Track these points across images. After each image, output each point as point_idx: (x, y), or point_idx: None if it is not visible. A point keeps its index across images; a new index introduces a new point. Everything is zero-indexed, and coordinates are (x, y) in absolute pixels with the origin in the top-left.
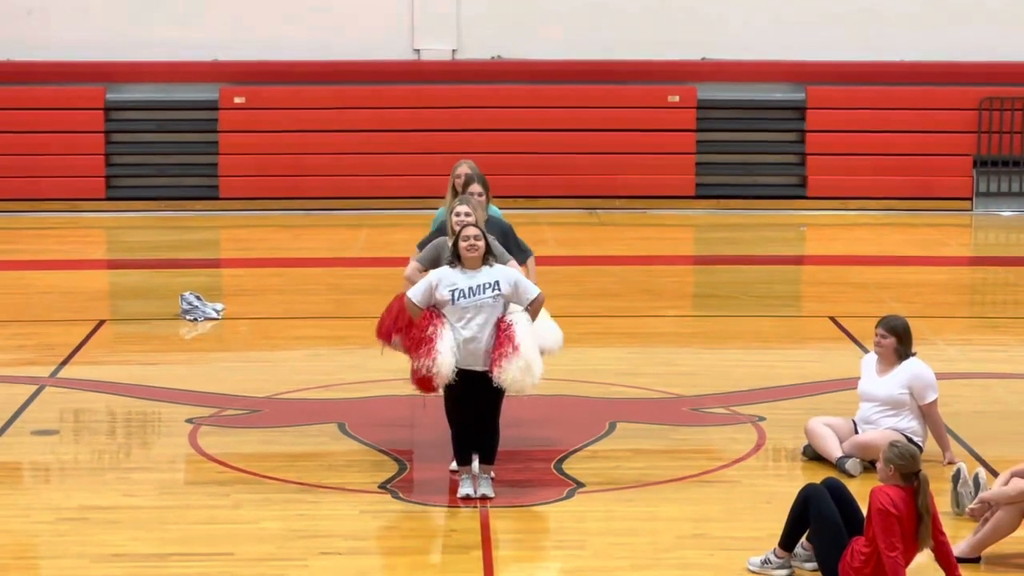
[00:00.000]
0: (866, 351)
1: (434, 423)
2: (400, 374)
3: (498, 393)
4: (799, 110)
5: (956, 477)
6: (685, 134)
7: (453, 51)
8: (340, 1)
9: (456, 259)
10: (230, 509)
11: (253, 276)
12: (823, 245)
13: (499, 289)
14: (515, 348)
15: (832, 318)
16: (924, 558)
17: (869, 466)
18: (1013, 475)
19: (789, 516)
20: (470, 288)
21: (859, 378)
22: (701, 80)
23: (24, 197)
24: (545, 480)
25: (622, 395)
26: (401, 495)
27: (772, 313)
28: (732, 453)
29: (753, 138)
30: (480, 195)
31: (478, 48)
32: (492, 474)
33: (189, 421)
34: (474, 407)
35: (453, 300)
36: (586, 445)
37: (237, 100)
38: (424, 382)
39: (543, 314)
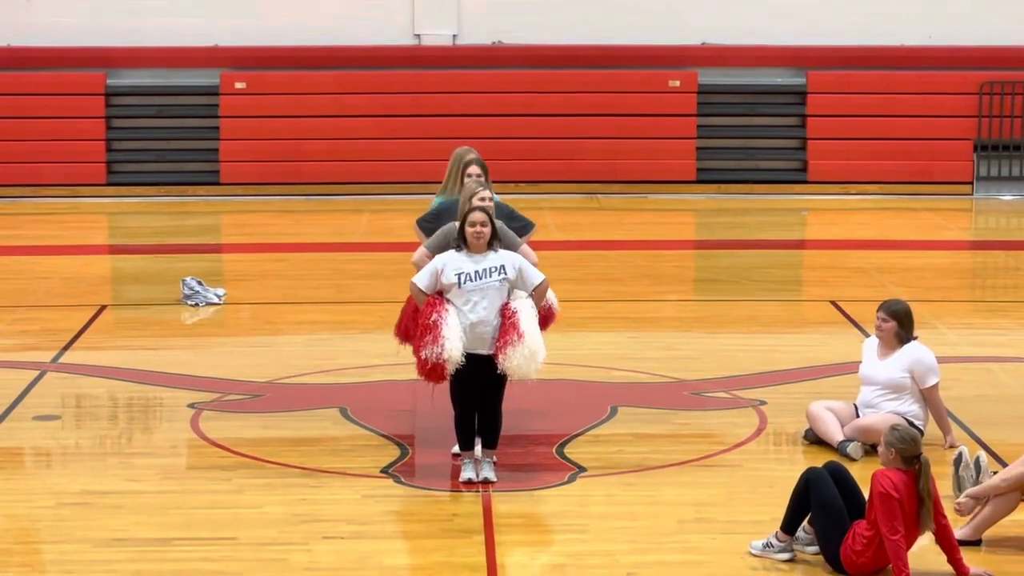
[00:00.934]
0: (867, 335)
1: (436, 408)
2: (401, 359)
3: (502, 378)
4: (800, 95)
5: (957, 460)
6: (686, 119)
7: (453, 36)
8: None
9: (462, 243)
10: (232, 494)
11: (254, 261)
12: (824, 229)
13: (505, 273)
14: (520, 336)
15: (833, 302)
16: (925, 541)
17: (870, 450)
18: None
19: (790, 500)
20: (476, 272)
21: (860, 362)
22: (702, 65)
23: (25, 183)
24: (547, 464)
25: (623, 379)
26: (403, 479)
27: (773, 297)
28: (733, 437)
29: (754, 123)
30: (479, 176)
31: (478, 33)
32: (494, 458)
33: (191, 406)
34: (479, 390)
35: (459, 284)
36: (588, 429)
37: (238, 85)
38: (432, 372)
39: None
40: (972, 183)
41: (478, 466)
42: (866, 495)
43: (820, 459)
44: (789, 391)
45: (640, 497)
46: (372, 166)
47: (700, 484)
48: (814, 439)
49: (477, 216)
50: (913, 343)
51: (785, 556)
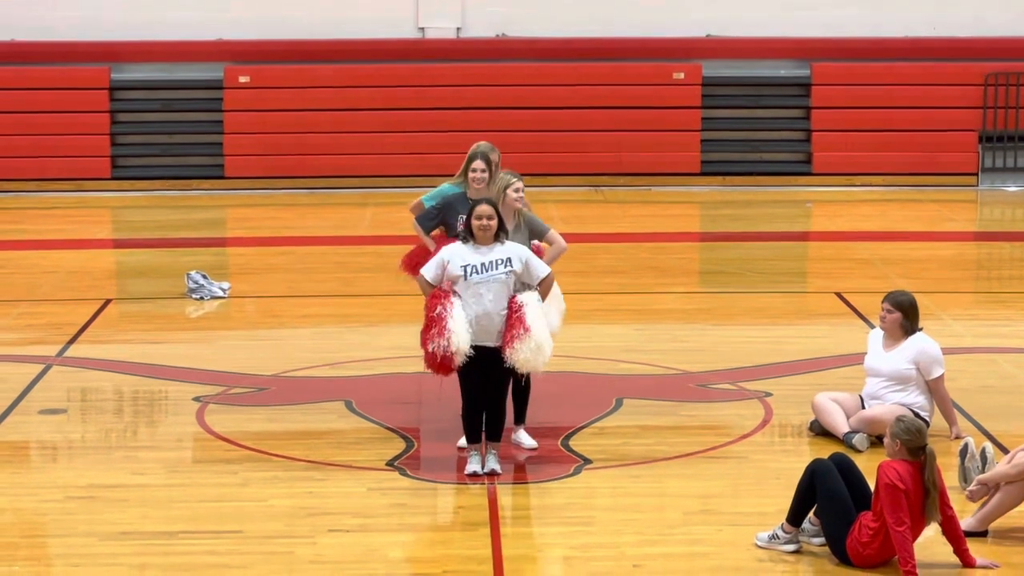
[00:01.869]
0: (872, 327)
1: (441, 400)
2: (407, 351)
3: (508, 371)
4: (804, 87)
5: (963, 452)
6: (690, 111)
7: (457, 29)
8: None
9: (469, 236)
10: (238, 487)
11: (259, 255)
12: (829, 221)
13: (511, 266)
14: (526, 330)
15: (838, 294)
16: (931, 532)
17: (876, 441)
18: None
19: (796, 491)
20: (482, 264)
21: (865, 353)
22: (706, 57)
23: (30, 177)
24: (552, 456)
25: (629, 371)
26: (409, 472)
27: (778, 289)
28: (739, 429)
29: (758, 115)
30: (483, 171)
31: (482, 26)
32: (498, 450)
33: (196, 399)
34: (486, 382)
35: (465, 276)
36: (593, 421)
37: (242, 79)
38: (440, 365)
39: (555, 291)
40: (977, 174)
41: (484, 458)
42: (872, 486)
43: (826, 451)
44: (795, 383)
45: (646, 489)
46: (376, 159)
47: (706, 476)
48: (820, 431)
49: (483, 209)
50: (918, 334)
51: (791, 548)
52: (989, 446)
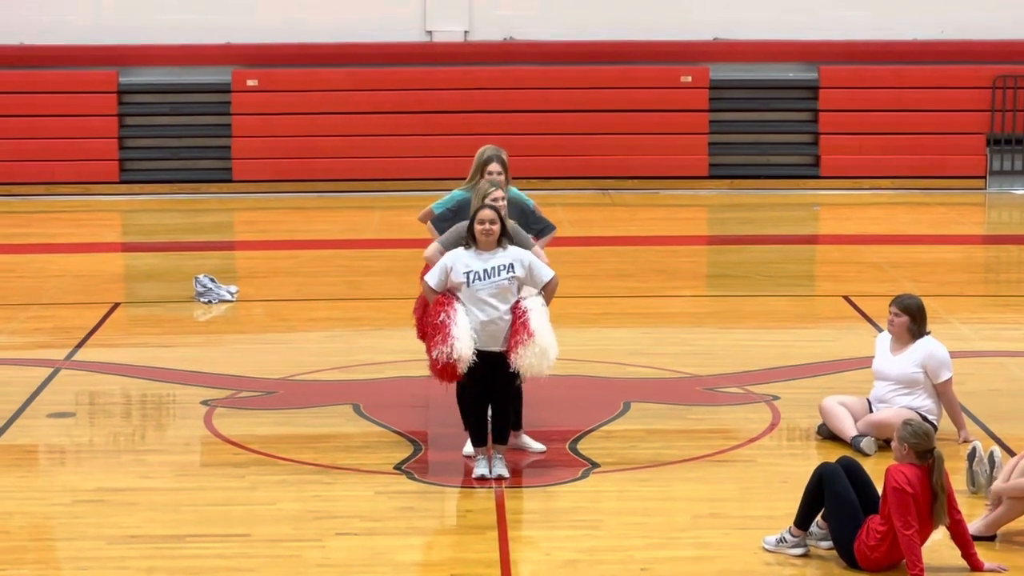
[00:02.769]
0: (880, 330)
1: (449, 404)
2: (415, 355)
3: (514, 375)
4: (812, 89)
5: (971, 455)
6: (698, 114)
7: (465, 32)
8: None
9: (471, 241)
10: (246, 491)
11: (267, 258)
12: (836, 224)
13: (514, 271)
14: (530, 335)
15: (846, 297)
16: (939, 536)
17: (884, 445)
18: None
19: (804, 495)
20: (485, 270)
21: (873, 357)
22: (714, 60)
23: (38, 181)
24: (560, 460)
25: (636, 375)
26: (416, 476)
27: (786, 293)
28: (747, 432)
29: (766, 118)
30: (499, 174)
31: (490, 29)
32: (504, 455)
33: (204, 403)
34: (490, 387)
35: (468, 283)
36: (601, 425)
37: (250, 83)
38: (445, 371)
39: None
40: (985, 177)
41: (491, 462)
42: (880, 490)
43: (833, 454)
44: (802, 386)
45: (653, 493)
46: (384, 162)
47: (713, 480)
48: (827, 434)
49: (486, 214)
50: (926, 338)
51: (799, 551)
52: (997, 450)
